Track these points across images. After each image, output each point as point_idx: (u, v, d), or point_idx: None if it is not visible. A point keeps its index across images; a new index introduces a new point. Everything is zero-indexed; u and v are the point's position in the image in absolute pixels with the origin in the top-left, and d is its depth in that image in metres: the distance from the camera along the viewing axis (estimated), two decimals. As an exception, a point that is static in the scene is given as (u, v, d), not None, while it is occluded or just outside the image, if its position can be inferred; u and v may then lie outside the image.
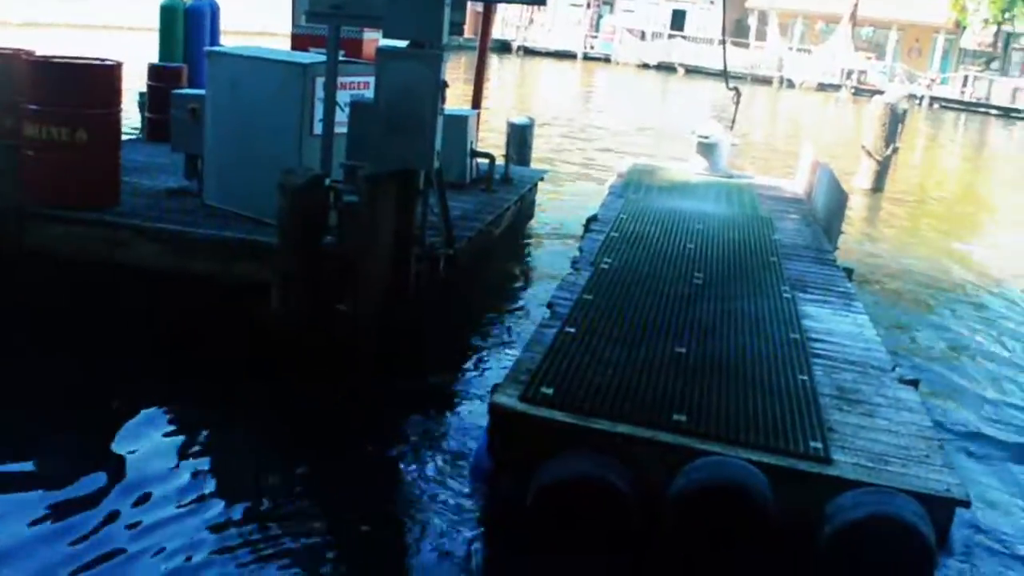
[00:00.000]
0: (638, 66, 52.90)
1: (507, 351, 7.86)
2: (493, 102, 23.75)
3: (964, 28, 52.45)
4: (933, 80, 49.20)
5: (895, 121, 18.66)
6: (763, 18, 57.80)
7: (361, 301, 6.72)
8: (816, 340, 6.91)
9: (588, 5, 59.56)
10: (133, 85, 10.36)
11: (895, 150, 18.76)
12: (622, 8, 59.72)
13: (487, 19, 12.20)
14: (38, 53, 8.22)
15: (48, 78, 7.85)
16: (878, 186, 18.61)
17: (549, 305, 7.13)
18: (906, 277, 12.15)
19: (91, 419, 6.13)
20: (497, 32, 47.29)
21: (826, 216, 11.17)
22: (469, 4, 9.17)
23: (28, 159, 7.85)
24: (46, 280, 7.47)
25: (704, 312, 7.22)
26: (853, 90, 47.99)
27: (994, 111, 46.36)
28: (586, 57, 54.91)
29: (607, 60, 54.39)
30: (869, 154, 18.69)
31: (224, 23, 13.45)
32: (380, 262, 6.90)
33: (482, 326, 8.65)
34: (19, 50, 8.23)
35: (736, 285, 8.11)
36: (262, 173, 7.42)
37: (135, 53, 14.74)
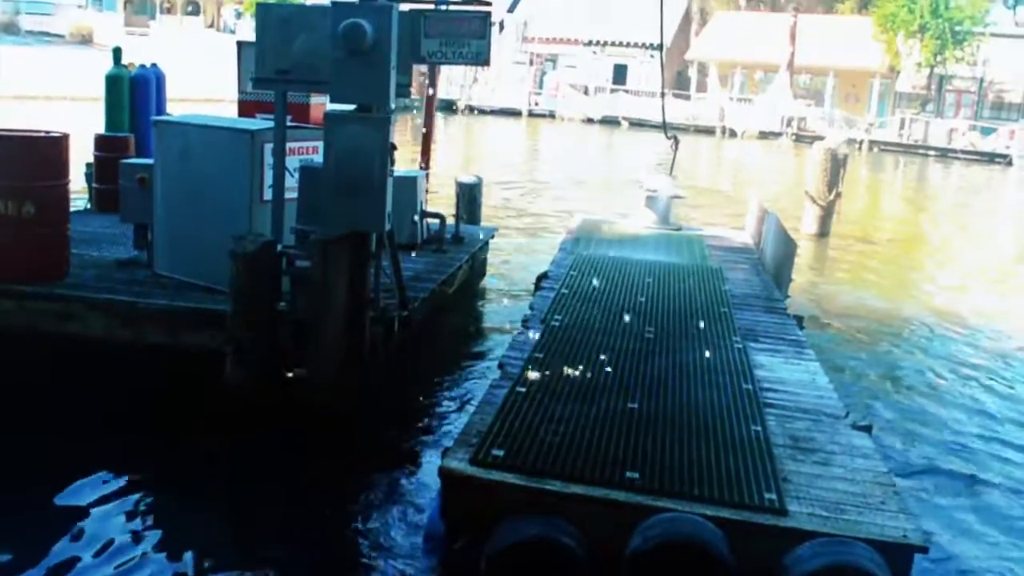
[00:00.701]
0: (582, 121, 53.52)
1: (461, 412, 7.85)
2: (440, 161, 23.85)
3: (898, 72, 53.83)
4: (871, 124, 50.38)
5: (837, 166, 19.03)
6: (703, 69, 59.00)
7: (317, 366, 6.71)
8: (768, 390, 6.98)
9: (531, 62, 60.33)
10: (79, 156, 10.31)
11: (838, 195, 19.11)
12: (564, 64, 60.55)
13: (432, 80, 12.33)
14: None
15: (-7, 152, 7.82)
16: (824, 231, 18.93)
17: (500, 365, 7.13)
18: (856, 320, 12.34)
19: (43, 491, 6.03)
20: (442, 92, 47.62)
21: (775, 265, 11.32)
22: (414, 65, 9.26)
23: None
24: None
25: (656, 366, 7.26)
26: (794, 137, 48.98)
27: (932, 152, 47.67)
28: (531, 114, 55.47)
29: (552, 116, 54.97)
30: (813, 200, 19.02)
31: (169, 91, 13.44)
32: (335, 327, 6.90)
33: (436, 387, 8.63)
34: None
35: (687, 338, 8.18)
36: (213, 241, 7.41)
37: (78, 123, 14.66)
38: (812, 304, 12.78)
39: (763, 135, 49.96)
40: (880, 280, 15.77)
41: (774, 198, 21.59)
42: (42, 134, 8.18)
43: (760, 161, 41.14)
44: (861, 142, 47.49)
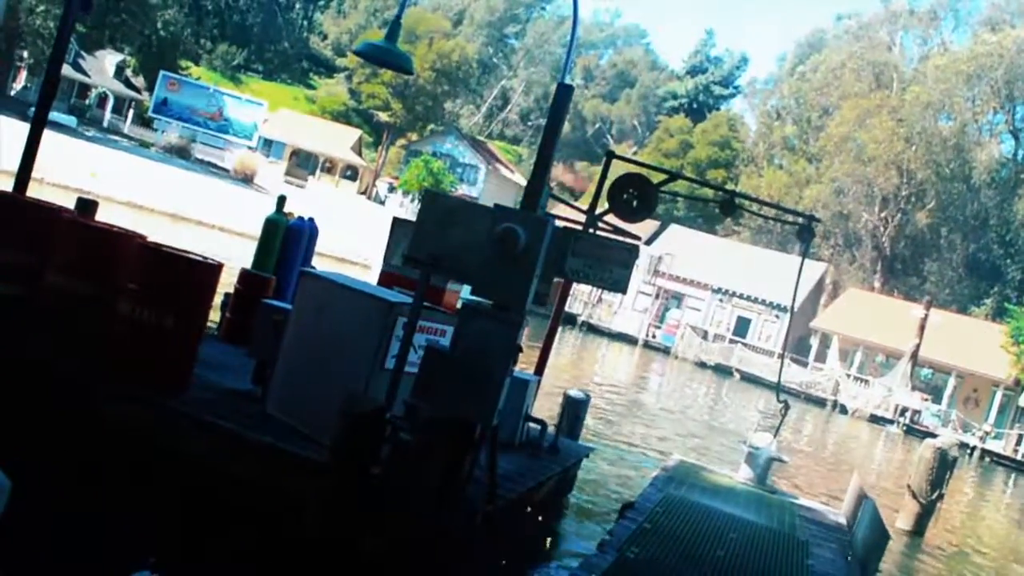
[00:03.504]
0: (696, 363, 53.61)
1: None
2: (550, 369, 24.16)
3: (1024, 388, 52.75)
4: (987, 432, 49.02)
5: (944, 467, 18.60)
6: (825, 340, 58.80)
7: (395, 536, 6.81)
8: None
9: (657, 296, 61.21)
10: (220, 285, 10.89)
11: (940, 496, 18.61)
12: (689, 305, 61.24)
13: (564, 293, 12.72)
14: (148, 239, 8.82)
15: (154, 264, 8.39)
16: (919, 530, 18.35)
17: (567, 582, 7.13)
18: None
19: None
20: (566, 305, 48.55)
21: (864, 552, 11.07)
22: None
23: (116, 333, 8.27)
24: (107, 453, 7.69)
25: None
26: (905, 428, 47.95)
27: (1046, 476, 45.94)
28: (647, 345, 55.94)
29: (666, 352, 55.29)
30: (914, 495, 18.55)
31: (318, 244, 14.14)
32: (421, 504, 7.02)
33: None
34: (135, 233, 8.85)
35: (761, 602, 8.05)
36: (327, 394, 7.70)
37: (222, 252, 15.44)
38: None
39: (874, 418, 49.12)
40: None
41: (873, 485, 21.11)
42: (199, 258, 8.73)
43: (866, 444, 40.34)
44: (973, 448, 46.23)
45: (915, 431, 45.91)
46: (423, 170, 75.97)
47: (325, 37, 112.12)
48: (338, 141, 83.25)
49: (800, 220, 13.10)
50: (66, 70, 61.63)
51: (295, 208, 14.60)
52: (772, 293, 58.98)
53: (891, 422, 48.84)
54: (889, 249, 78.88)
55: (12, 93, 61.06)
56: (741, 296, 61.39)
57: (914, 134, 75.45)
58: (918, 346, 51.81)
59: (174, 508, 7.44)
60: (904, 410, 49.59)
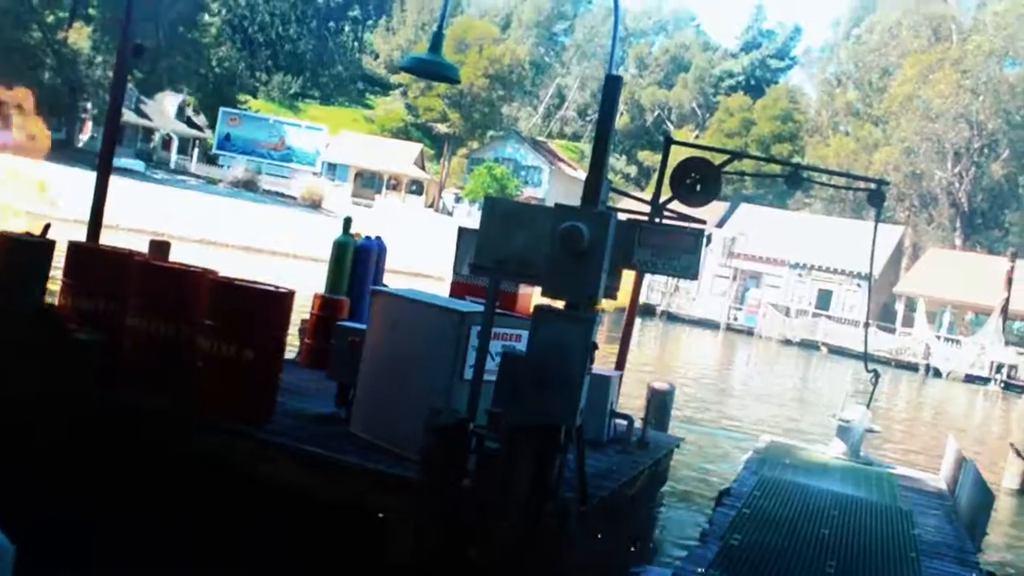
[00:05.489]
0: (780, 342, 52.91)
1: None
2: (633, 363, 24.04)
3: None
4: (1089, 380, 47.63)
5: (1046, 422, 18.12)
6: (911, 304, 57.61)
7: (491, 547, 6.80)
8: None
9: (734, 278, 60.57)
10: (295, 311, 11.01)
11: (1047, 451, 18.10)
12: (768, 283, 60.49)
13: (636, 285, 12.62)
14: (220, 274, 8.95)
15: (227, 298, 8.50)
16: (1028, 488, 17.88)
17: None
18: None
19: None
20: (643, 296, 48.34)
21: (969, 515, 10.81)
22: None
23: (198, 370, 8.41)
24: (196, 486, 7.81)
25: (835, 603, 7.02)
26: (1003, 384, 46.73)
27: None
28: (729, 328, 55.40)
29: (749, 333, 54.70)
30: (1019, 453, 18.06)
31: (388, 261, 14.23)
32: (513, 511, 7.01)
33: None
34: (206, 270, 8.99)
35: (870, 578, 7.89)
36: (410, 410, 7.74)
37: (298, 279, 15.62)
38: (1006, 563, 12.01)
39: (969, 379, 47.95)
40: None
41: (975, 445, 20.61)
42: (271, 288, 8.83)
43: (963, 405, 39.47)
44: (1076, 399, 44.98)
45: (1013, 387, 44.77)
46: (487, 177, 76.17)
47: (377, 56, 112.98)
48: (400, 157, 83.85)
49: (870, 186, 12.81)
50: (129, 116, 63.14)
51: (365, 228, 14.71)
52: (851, 262, 57.95)
53: (987, 380, 47.62)
54: (967, 204, 77.05)
55: (80, 145, 62.55)
56: (820, 268, 60.46)
57: (980, 84, 73.61)
58: (1008, 300, 50.44)
59: (271, 536, 7.52)
60: (1000, 366, 48.30)
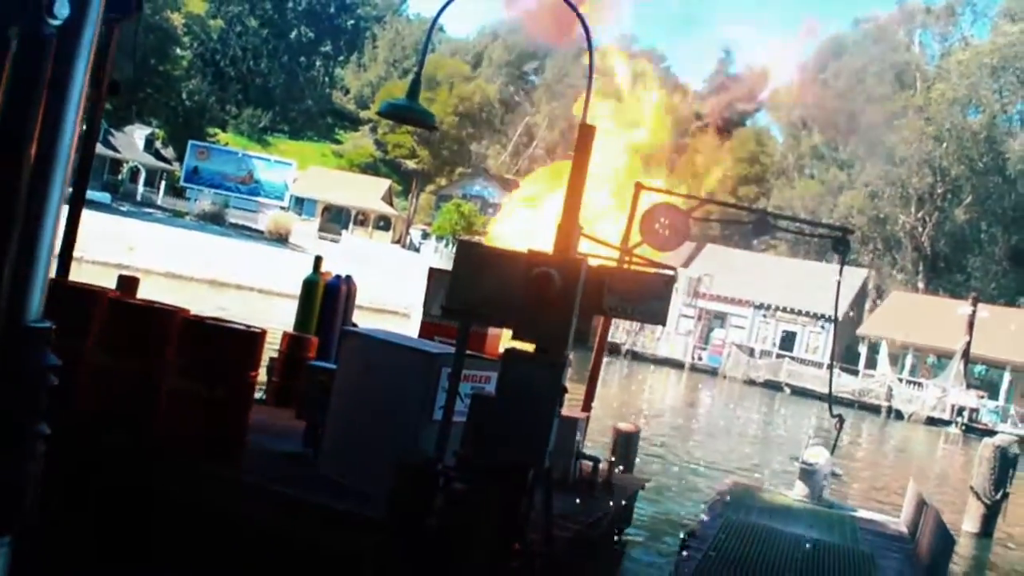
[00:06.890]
0: (744, 382, 53.24)
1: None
2: (599, 402, 24.17)
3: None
4: (1049, 425, 48.26)
5: (1006, 465, 18.33)
6: (874, 346, 58.20)
7: (457, 588, 6.84)
8: None
9: (699, 318, 60.96)
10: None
11: (1006, 495, 18.32)
12: (732, 323, 60.92)
13: (604, 329, 12.75)
14: (191, 312, 8.97)
15: (199, 337, 8.52)
16: (987, 531, 18.07)
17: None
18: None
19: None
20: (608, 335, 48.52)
21: (931, 559, 10.95)
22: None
23: (165, 407, 8.40)
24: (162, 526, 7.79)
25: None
26: (963, 427, 47.23)
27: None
28: (693, 368, 55.69)
29: (714, 373, 55.01)
30: (978, 496, 18.28)
31: (359, 297, 14.25)
32: (479, 552, 7.05)
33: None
34: (179, 308, 9.01)
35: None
36: (379, 450, 7.78)
37: (265, 315, 15.62)
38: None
39: (931, 421, 48.44)
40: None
41: (935, 488, 20.85)
42: (242, 327, 8.86)
43: (924, 447, 39.85)
44: (1035, 443, 45.45)
45: (974, 430, 45.25)
46: (455, 214, 76.40)
47: (347, 92, 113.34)
48: (368, 193, 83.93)
49: (835, 234, 13.05)
50: (98, 147, 62.74)
51: (331, 263, 14.77)
52: (815, 304, 58.52)
53: (949, 423, 48.15)
54: (930, 248, 78.10)
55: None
56: (784, 310, 61.02)
57: (943, 131, 74.90)
58: (969, 343, 51.12)
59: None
60: (961, 409, 48.87)
